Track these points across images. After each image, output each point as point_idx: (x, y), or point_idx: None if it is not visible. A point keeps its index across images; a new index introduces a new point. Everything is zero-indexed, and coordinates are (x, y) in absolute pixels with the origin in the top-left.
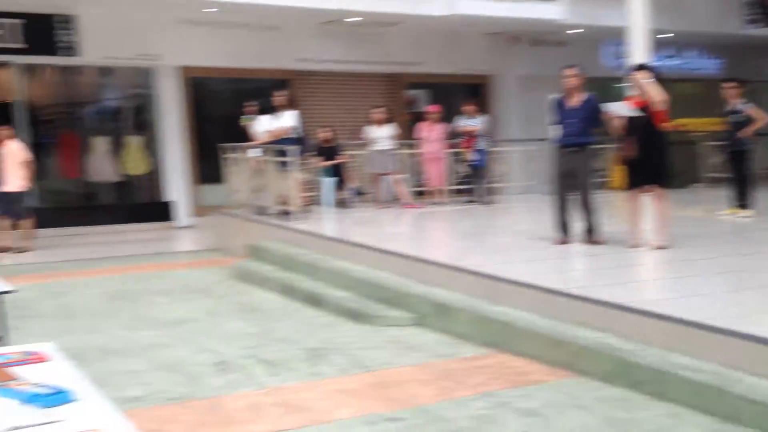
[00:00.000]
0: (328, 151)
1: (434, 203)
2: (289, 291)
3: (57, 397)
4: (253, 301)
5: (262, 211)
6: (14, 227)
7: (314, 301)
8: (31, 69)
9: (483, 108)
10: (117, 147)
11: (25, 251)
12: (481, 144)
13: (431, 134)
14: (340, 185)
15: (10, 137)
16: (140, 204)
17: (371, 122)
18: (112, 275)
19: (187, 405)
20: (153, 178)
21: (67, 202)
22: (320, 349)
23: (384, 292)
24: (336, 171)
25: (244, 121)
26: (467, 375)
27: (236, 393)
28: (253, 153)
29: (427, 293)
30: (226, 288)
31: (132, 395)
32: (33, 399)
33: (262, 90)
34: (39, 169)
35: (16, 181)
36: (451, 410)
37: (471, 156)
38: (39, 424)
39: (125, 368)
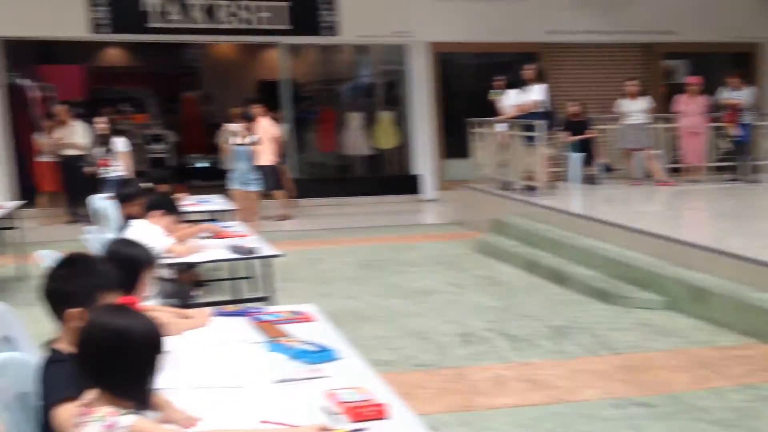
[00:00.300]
0: (576, 125)
1: (691, 181)
2: (532, 267)
3: (322, 355)
4: (497, 275)
5: (507, 186)
6: (267, 198)
7: (559, 278)
8: (295, 49)
9: (750, 79)
10: (369, 122)
11: (284, 219)
12: (747, 118)
13: (690, 107)
14: (589, 161)
15: (263, 114)
16: (389, 177)
17: (624, 95)
18: (364, 244)
19: (434, 372)
20: (402, 152)
21: (323, 174)
22: (565, 327)
23: (634, 272)
24: (584, 146)
25: (492, 95)
26: (726, 365)
27: (480, 365)
28: (500, 127)
29: (681, 276)
30: (470, 261)
31: (383, 359)
32: (301, 355)
33: (510, 64)
34: (299, 143)
35: (268, 155)
36: (707, 400)
37: (734, 131)
38: (306, 379)
39: (376, 333)
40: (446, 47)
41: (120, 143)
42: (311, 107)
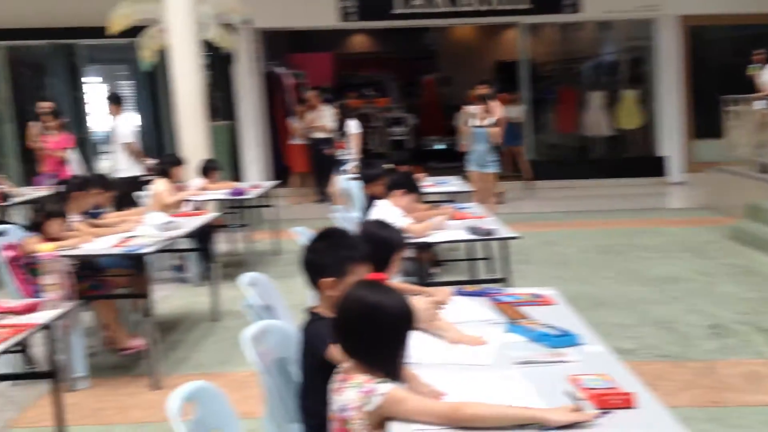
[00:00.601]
0: None
1: None
2: None
3: (564, 339)
4: (752, 264)
5: (766, 168)
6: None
7: None
8: (534, 28)
9: None
10: (612, 101)
11: (497, 203)
12: None
13: None
14: None
15: (492, 97)
16: (631, 158)
17: None
18: (601, 228)
19: (679, 364)
20: (647, 133)
21: (561, 156)
22: None
23: None
24: None
25: (751, 70)
26: None
27: (731, 359)
28: (759, 105)
29: None
30: (720, 249)
31: (623, 347)
32: (541, 338)
33: None
34: (536, 124)
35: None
36: None
37: None
38: (548, 362)
39: (615, 320)
40: (698, 20)
41: (352, 126)
42: (550, 87)
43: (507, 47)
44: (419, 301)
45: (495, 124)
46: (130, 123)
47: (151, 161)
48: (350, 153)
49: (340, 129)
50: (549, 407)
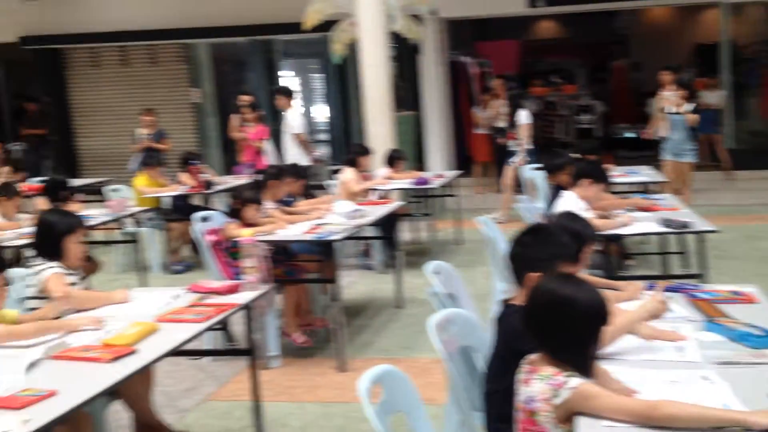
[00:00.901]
0: None
1: None
2: None
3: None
4: None
5: None
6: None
7: None
8: (736, 8)
9: None
10: None
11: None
12: None
13: None
14: None
15: (669, 82)
16: None
17: None
18: None
19: None
20: None
21: (764, 144)
22: None
23: None
24: None
25: None
26: None
27: None
28: None
29: None
30: None
31: None
32: (743, 337)
33: None
34: (737, 110)
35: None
36: None
37: None
38: (750, 363)
39: None
40: None
41: (522, 116)
42: (754, 70)
43: (706, 29)
44: (653, 298)
45: (693, 111)
46: (299, 115)
47: (318, 152)
48: (520, 144)
49: (511, 119)
50: (750, 410)
